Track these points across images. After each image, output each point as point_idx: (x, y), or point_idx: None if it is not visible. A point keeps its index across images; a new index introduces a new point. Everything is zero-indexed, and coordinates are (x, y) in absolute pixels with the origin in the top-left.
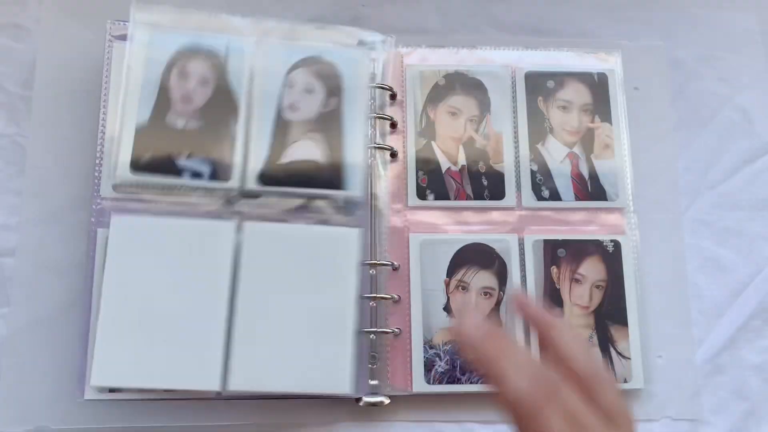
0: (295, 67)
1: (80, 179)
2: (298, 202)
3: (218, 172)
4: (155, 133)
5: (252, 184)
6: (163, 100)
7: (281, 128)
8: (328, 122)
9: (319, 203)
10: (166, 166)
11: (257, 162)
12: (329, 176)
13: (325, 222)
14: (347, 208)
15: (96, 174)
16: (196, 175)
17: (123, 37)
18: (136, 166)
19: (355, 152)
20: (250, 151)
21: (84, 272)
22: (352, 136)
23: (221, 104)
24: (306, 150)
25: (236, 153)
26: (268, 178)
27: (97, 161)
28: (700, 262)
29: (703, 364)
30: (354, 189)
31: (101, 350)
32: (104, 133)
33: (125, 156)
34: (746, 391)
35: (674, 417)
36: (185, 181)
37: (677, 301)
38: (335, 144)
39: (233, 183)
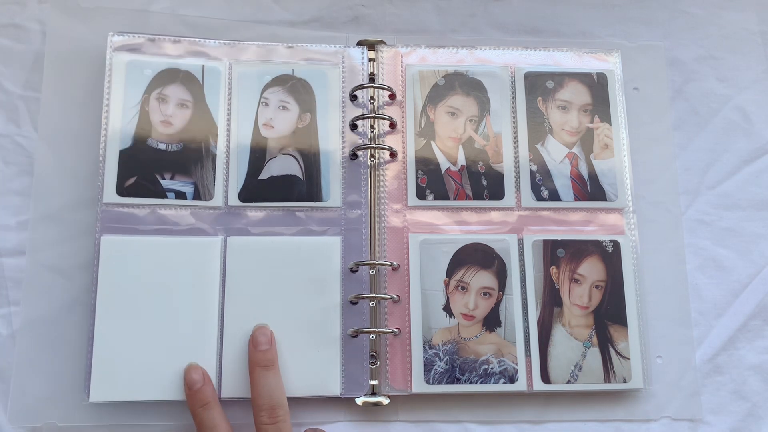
0: (269, 85)
1: (87, 180)
2: (279, 214)
3: (201, 191)
4: (138, 156)
5: (234, 201)
6: (144, 124)
7: (259, 145)
8: (304, 137)
9: (300, 215)
10: (150, 188)
11: (238, 179)
12: (308, 189)
13: (307, 232)
14: (328, 217)
15: (100, 178)
16: (180, 195)
17: (124, 48)
18: (122, 189)
19: (331, 164)
20: (230, 169)
21: (91, 273)
22: (327, 149)
23: (200, 125)
24: (284, 165)
25: (218, 172)
26: (249, 194)
27: (101, 166)
28: (700, 262)
29: (702, 364)
30: (332, 200)
31: (98, 366)
32: (106, 139)
33: (110, 180)
34: (746, 391)
35: (674, 417)
36: (170, 201)
37: (676, 301)
38: (312, 157)
39: (216, 201)
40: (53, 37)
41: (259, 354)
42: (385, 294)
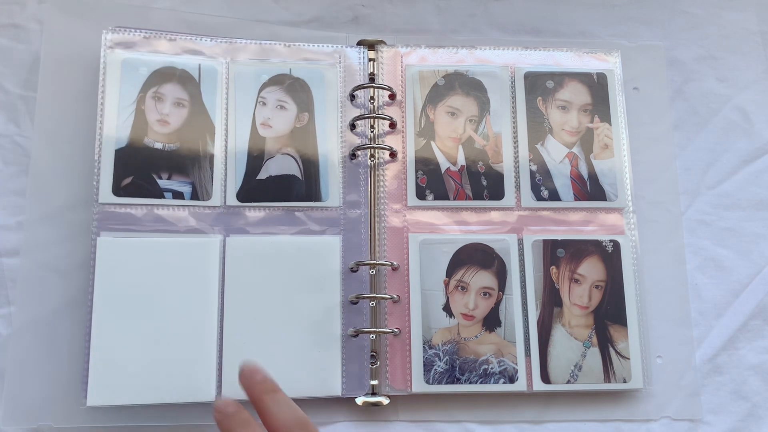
0: (266, 85)
1: (84, 179)
2: (278, 213)
3: (199, 191)
4: (135, 156)
5: (232, 201)
6: (140, 123)
7: (257, 145)
8: (302, 137)
9: (299, 215)
10: (147, 188)
11: (236, 179)
12: (307, 189)
13: (306, 231)
14: (327, 216)
15: (96, 178)
16: (178, 195)
17: (119, 46)
18: (118, 189)
19: (330, 164)
20: (228, 169)
21: (88, 273)
22: (325, 148)
23: (197, 125)
24: (282, 165)
25: (215, 171)
26: (247, 194)
27: (96, 165)
28: (700, 262)
29: (702, 364)
30: (331, 200)
31: (96, 370)
32: (102, 138)
33: (106, 179)
34: (746, 391)
35: (674, 417)
36: (167, 201)
37: (676, 301)
38: (310, 157)
39: (214, 201)
40: (50, 36)
41: (260, 385)
42: (385, 294)
